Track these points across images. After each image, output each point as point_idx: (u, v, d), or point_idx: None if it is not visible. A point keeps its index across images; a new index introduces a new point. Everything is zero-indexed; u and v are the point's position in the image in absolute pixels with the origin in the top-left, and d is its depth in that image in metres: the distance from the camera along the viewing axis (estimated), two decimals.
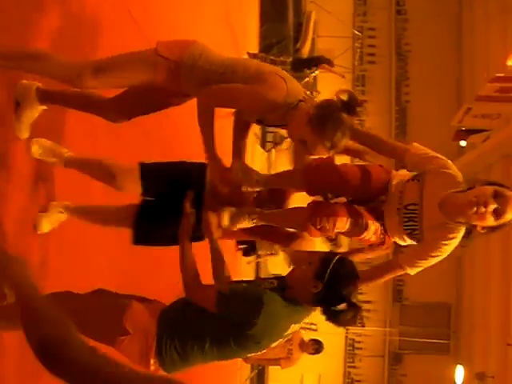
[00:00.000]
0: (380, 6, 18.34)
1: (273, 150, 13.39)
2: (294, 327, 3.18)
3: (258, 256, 11.88)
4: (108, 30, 4.63)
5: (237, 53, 11.17)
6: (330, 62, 12.89)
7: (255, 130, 12.13)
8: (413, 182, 3.56)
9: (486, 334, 14.65)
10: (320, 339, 9.49)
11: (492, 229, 3.37)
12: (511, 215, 3.31)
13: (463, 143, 14.29)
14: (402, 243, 3.69)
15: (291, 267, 3.34)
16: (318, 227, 3.52)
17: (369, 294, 17.05)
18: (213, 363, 3.19)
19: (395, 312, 17.03)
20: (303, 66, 13.05)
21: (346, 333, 16.74)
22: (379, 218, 3.62)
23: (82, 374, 1.56)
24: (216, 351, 3.06)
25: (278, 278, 3.34)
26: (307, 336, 10.32)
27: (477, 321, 15.40)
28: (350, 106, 3.26)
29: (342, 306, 3.02)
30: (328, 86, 16.06)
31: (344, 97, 3.26)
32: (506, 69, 10.60)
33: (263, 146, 13.29)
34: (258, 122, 3.60)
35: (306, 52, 15.00)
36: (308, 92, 12.15)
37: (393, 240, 3.72)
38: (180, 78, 3.36)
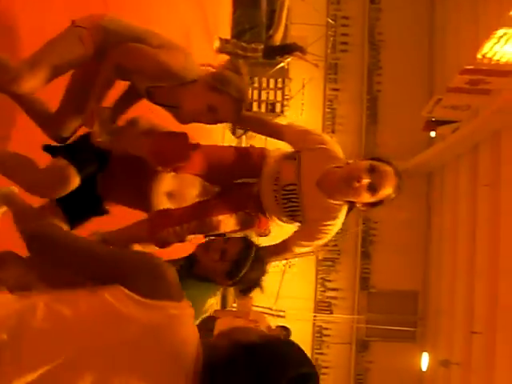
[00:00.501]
0: None
1: (243, 137, 13.37)
2: (210, 301, 3.22)
3: None
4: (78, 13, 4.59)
5: (209, 38, 11.14)
6: (302, 50, 12.90)
7: None
8: (289, 161, 3.45)
9: (451, 322, 14.85)
10: (288, 326, 9.54)
11: (371, 205, 3.29)
12: (388, 190, 3.22)
13: (433, 134, 14.40)
14: (282, 224, 3.58)
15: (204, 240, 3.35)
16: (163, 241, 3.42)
17: (336, 281, 17.17)
18: None
19: (362, 300, 17.17)
20: (275, 53, 13.05)
21: (314, 320, 16.85)
22: (254, 202, 3.51)
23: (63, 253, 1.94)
24: None
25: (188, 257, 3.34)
26: (275, 323, 10.39)
27: (443, 309, 15.59)
28: (234, 69, 3.37)
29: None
30: (300, 73, 16.12)
31: (228, 65, 3.40)
32: (476, 61, 10.67)
33: (233, 132, 13.26)
34: (148, 93, 3.52)
35: (278, 39, 14.97)
36: (280, 79, 12.08)
37: (273, 222, 3.60)
38: (104, 48, 3.35)
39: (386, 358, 16.55)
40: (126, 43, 3.30)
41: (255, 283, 3.18)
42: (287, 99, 15.22)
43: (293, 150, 3.50)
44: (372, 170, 3.18)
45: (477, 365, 13.30)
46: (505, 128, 12.56)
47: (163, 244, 3.45)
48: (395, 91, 17.26)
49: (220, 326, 8.37)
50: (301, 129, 3.50)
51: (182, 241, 3.47)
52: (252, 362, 1.84)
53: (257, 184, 3.51)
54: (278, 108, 14.74)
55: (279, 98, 14.24)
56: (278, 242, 3.52)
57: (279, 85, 14.79)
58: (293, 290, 15.59)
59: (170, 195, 3.74)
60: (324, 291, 17.17)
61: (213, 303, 3.27)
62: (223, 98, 3.31)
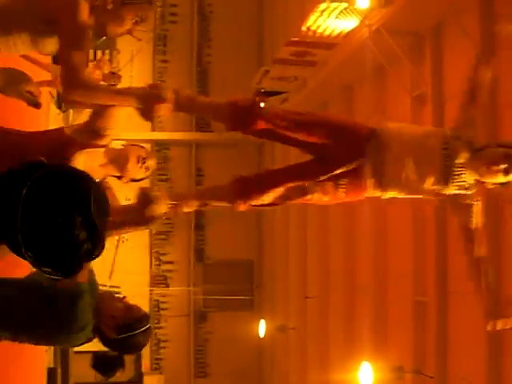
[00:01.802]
0: None
1: (70, 111, 12.87)
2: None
3: None
4: None
5: None
6: None
7: (50, 89, 11.58)
8: None
9: (286, 289, 15.26)
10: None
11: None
12: None
13: (262, 105, 14.55)
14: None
15: None
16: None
17: (171, 254, 17.14)
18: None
19: (198, 271, 17.25)
20: None
21: (150, 294, 16.76)
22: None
23: None
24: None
25: None
26: None
27: (278, 276, 15.98)
28: None
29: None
30: (128, 44, 15.76)
31: None
32: (301, 34, 10.83)
33: (59, 106, 12.71)
34: None
35: None
36: (107, 51, 11.69)
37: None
38: None
39: (224, 328, 16.76)
40: None
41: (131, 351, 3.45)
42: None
43: None
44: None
45: (312, 328, 13.79)
46: (331, 99, 12.95)
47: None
48: (225, 63, 17.31)
49: None
50: None
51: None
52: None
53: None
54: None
55: (107, 70, 13.86)
56: None
57: (106, 57, 14.39)
58: (127, 265, 15.40)
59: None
60: (159, 265, 17.09)
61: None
62: (143, 7, 3.32)
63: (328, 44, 10.97)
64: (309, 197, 3.86)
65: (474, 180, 3.91)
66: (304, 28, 10.63)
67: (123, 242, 14.96)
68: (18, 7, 3.19)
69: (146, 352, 16.87)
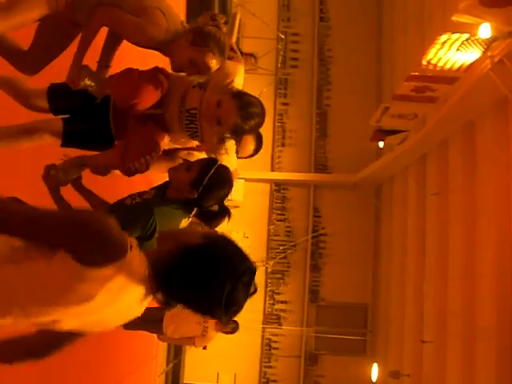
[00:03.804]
0: (304, 12, 18.51)
1: None
2: (184, 221, 3.68)
3: None
4: None
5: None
6: (253, 56, 12.94)
7: None
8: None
9: (401, 333, 14.84)
10: (237, 320, 9.38)
11: None
12: None
13: (381, 144, 14.44)
14: None
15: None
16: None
17: (285, 294, 17.10)
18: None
19: (311, 312, 17.09)
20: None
21: (263, 332, 16.71)
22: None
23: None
24: None
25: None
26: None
27: (392, 320, 15.59)
28: (214, 23, 3.75)
29: (214, 208, 3.66)
30: (250, 88, 16.11)
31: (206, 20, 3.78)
32: (421, 68, 10.72)
33: None
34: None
35: None
36: None
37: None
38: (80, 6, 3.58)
39: (335, 372, 16.46)
40: (108, 8, 3.54)
41: (219, 200, 3.64)
42: None
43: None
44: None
45: (427, 375, 13.28)
46: (451, 136, 12.68)
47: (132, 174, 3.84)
48: (345, 105, 17.40)
49: (168, 317, 8.61)
50: None
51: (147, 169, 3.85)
52: (197, 263, 1.99)
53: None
54: None
55: None
56: None
57: None
58: None
59: None
60: (273, 304, 17.07)
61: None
62: (203, 53, 3.64)
63: (449, 78, 10.78)
64: None
65: None
66: (424, 62, 10.50)
67: None
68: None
69: None
